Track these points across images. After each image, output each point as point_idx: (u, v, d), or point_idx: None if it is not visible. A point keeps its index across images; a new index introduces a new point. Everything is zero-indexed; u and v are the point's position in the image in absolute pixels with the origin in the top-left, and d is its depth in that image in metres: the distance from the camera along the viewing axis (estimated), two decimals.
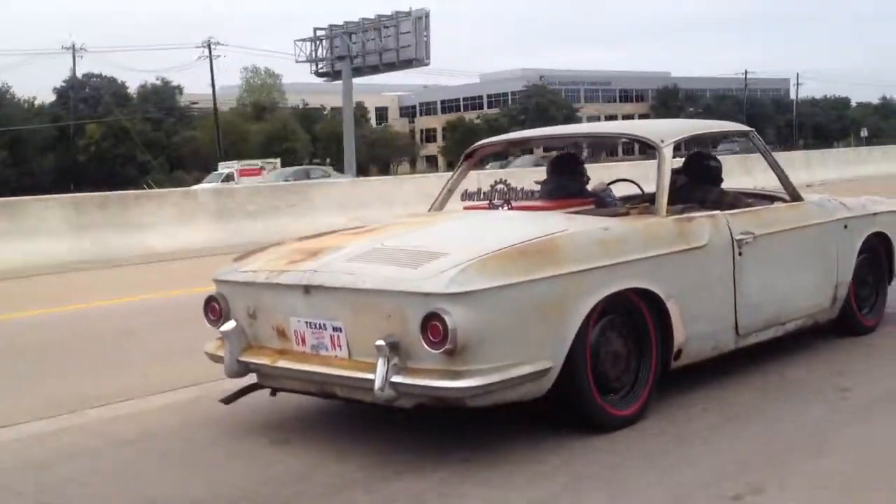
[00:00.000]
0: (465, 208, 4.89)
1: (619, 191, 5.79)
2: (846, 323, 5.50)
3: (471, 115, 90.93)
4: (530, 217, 4.39)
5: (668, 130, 4.71)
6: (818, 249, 5.13)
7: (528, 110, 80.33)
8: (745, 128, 5.27)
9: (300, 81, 76.52)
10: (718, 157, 5.48)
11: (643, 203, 5.07)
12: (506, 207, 4.59)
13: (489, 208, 4.66)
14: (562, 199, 4.96)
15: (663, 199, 4.34)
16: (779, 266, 4.82)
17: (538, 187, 4.95)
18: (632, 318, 4.09)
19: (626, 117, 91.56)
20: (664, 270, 4.15)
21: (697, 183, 5.17)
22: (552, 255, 3.71)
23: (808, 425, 3.93)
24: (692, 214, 4.44)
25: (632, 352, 4.08)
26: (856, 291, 5.51)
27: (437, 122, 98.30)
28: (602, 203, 5.02)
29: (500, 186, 4.60)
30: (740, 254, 4.54)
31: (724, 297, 4.49)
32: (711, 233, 4.41)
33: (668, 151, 4.49)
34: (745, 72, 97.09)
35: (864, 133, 78.76)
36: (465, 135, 74.33)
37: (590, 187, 5.84)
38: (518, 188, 4.58)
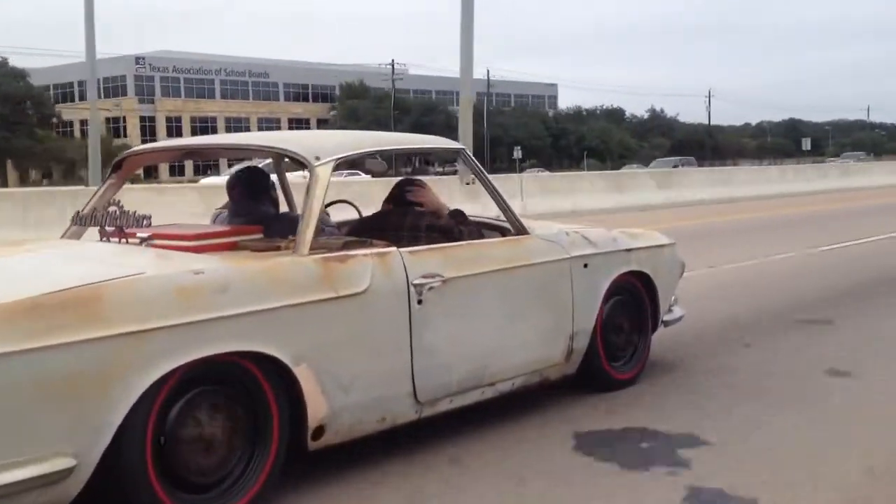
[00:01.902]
0: (102, 237, 3.81)
1: (342, 215, 4.86)
2: (592, 378, 4.65)
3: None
4: (116, 253, 3.36)
5: (328, 145, 3.75)
6: (544, 293, 4.26)
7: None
8: (454, 144, 4.35)
9: None
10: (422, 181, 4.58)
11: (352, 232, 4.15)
12: (120, 238, 3.54)
13: (101, 237, 3.62)
14: (231, 227, 3.97)
15: (307, 233, 3.37)
16: (482, 315, 3.92)
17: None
18: (243, 390, 3.11)
19: (296, 123, 70.75)
20: (292, 326, 3.18)
21: (398, 209, 4.25)
22: (90, 311, 2.68)
23: None
24: (351, 252, 3.48)
25: (238, 436, 3.09)
26: (605, 340, 4.67)
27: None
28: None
29: (112, 209, 3.56)
30: (420, 301, 3.61)
31: (393, 356, 3.55)
32: (376, 276, 3.47)
33: (322, 172, 3.52)
34: (394, 63, 73.12)
35: (516, 154, 64.11)
36: None
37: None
38: (132, 212, 3.53)
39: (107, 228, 3.56)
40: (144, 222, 3.42)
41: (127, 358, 2.72)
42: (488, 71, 77.47)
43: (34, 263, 3.23)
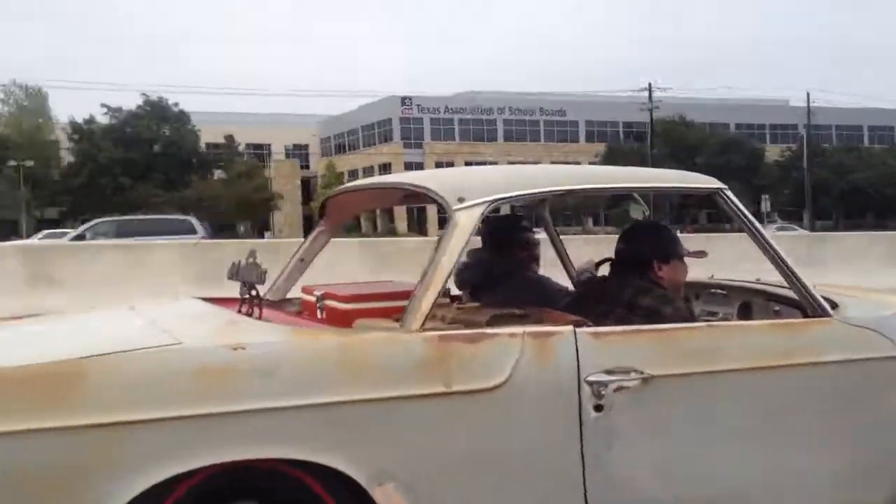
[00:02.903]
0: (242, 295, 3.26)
1: None
2: None
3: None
4: (191, 316, 2.73)
5: (478, 182, 2.79)
6: (846, 408, 2.80)
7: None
8: (707, 182, 3.05)
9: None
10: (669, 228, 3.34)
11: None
12: (249, 295, 2.94)
13: (241, 295, 3.05)
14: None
15: (422, 302, 2.46)
16: (719, 436, 2.65)
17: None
18: None
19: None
20: (372, 430, 2.31)
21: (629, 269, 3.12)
22: (63, 392, 2.10)
23: None
24: (489, 331, 2.50)
25: None
26: None
27: (351, 162, 64.47)
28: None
29: (249, 260, 2.99)
30: (599, 407, 2.49)
31: (549, 482, 2.47)
32: (523, 366, 2.44)
33: (464, 219, 2.59)
34: (651, 87, 53.07)
35: (763, 207, 43.93)
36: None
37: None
38: (260, 265, 2.91)
39: (244, 285, 2.99)
40: (258, 277, 2.81)
41: (108, 456, 2.09)
42: (808, 95, 56.16)
43: (78, 327, 2.76)
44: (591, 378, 2.50)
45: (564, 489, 2.47)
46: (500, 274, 3.56)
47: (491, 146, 62.12)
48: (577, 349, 2.52)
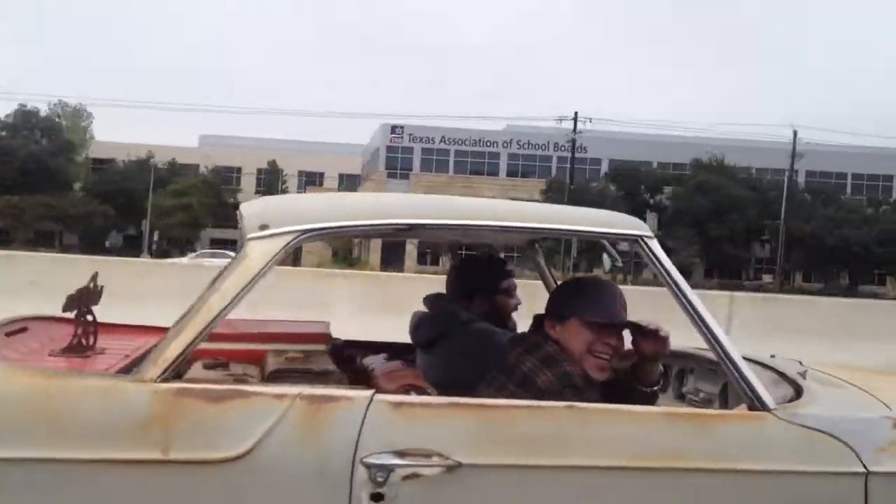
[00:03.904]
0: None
1: None
2: None
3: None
4: None
5: (295, 210, 2.23)
6: None
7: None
8: (628, 228, 2.28)
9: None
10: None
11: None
12: (78, 321, 2.53)
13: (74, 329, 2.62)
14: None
15: (172, 345, 1.95)
16: None
17: None
18: None
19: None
20: (59, 499, 1.84)
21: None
22: None
23: None
24: (251, 388, 1.97)
25: None
26: None
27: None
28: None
29: (91, 285, 2.58)
30: (378, 498, 1.90)
31: None
32: (278, 435, 1.89)
33: (256, 250, 2.05)
34: (576, 117, 45.18)
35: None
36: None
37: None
38: (97, 291, 2.50)
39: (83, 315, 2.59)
40: (83, 306, 2.43)
41: None
42: (795, 134, 46.31)
43: None
44: (370, 460, 1.90)
45: None
46: (445, 325, 2.96)
47: (491, 180, 54.62)
48: (363, 422, 1.93)
